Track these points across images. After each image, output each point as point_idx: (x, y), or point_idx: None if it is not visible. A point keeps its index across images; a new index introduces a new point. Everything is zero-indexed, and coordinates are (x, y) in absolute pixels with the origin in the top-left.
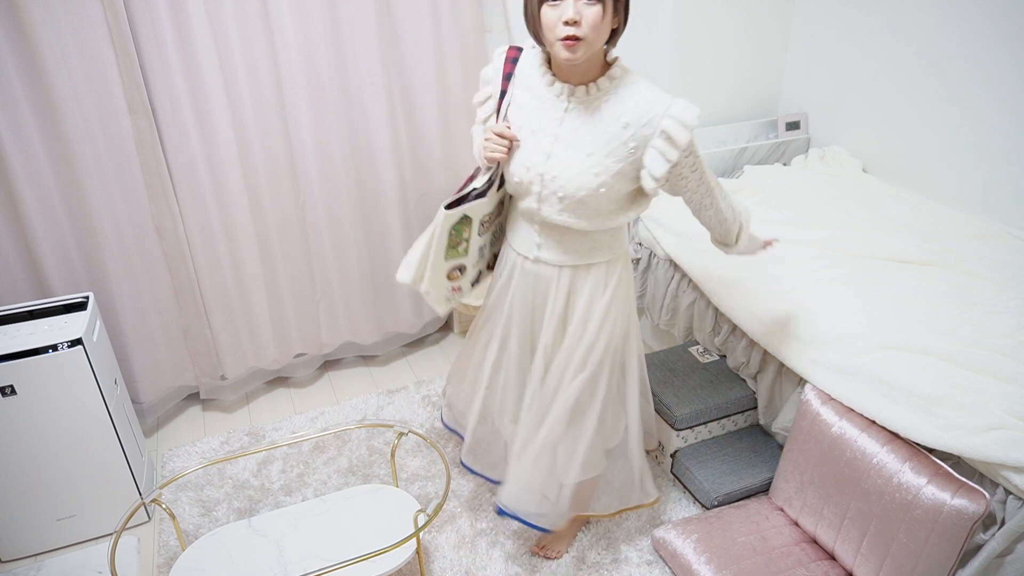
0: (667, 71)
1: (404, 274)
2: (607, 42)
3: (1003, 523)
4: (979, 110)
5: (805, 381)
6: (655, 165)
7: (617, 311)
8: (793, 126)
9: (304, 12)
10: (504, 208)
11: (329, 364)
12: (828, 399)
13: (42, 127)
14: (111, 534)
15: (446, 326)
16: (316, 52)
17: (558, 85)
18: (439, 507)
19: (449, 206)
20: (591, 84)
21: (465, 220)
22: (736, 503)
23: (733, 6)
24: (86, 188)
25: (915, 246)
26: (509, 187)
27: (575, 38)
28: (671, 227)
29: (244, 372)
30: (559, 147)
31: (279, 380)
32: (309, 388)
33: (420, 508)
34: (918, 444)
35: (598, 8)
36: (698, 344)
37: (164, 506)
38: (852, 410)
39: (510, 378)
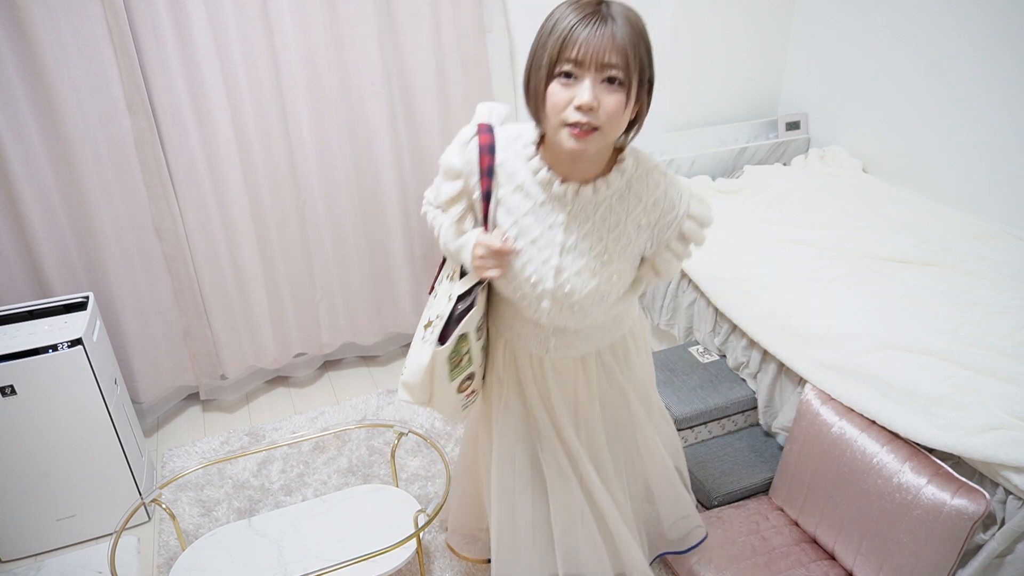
0: (667, 71)
1: (405, 394)
2: (630, 129)
3: (1003, 523)
4: (979, 110)
5: (805, 381)
6: (668, 267)
7: (649, 364)
8: (793, 126)
9: (304, 12)
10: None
11: (329, 364)
12: (828, 399)
13: (42, 127)
14: (111, 534)
15: None
16: (316, 52)
17: (559, 186)
18: (439, 507)
19: (441, 338)
20: (599, 181)
21: (462, 338)
22: (736, 503)
23: (733, 6)
24: (86, 188)
25: (915, 246)
26: (503, 293)
27: (590, 127)
28: None
29: (244, 372)
30: (569, 259)
31: (279, 380)
32: (309, 388)
33: (420, 508)
34: (918, 444)
35: (620, 96)
36: (698, 344)
37: (164, 506)
38: (852, 410)
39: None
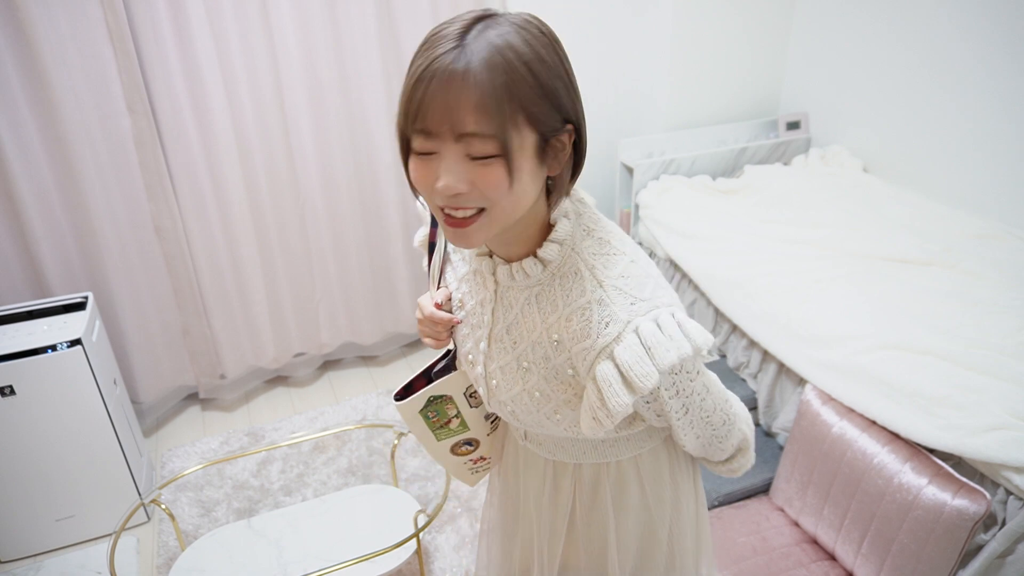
0: (667, 70)
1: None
2: (551, 194)
3: (1004, 523)
4: (980, 110)
5: (805, 381)
6: (584, 417)
7: (656, 518)
8: (793, 126)
9: (304, 12)
10: None
11: (329, 364)
12: (828, 399)
13: (41, 127)
14: (110, 534)
15: None
16: (316, 52)
17: (477, 257)
18: (439, 507)
19: (400, 394)
20: (515, 264)
21: (442, 399)
22: (736, 503)
23: (733, 5)
24: (85, 188)
25: (916, 246)
26: None
27: (462, 217)
28: (671, 227)
29: (243, 371)
30: (496, 349)
31: (279, 379)
32: (309, 388)
33: (420, 508)
34: (919, 444)
35: (496, 170)
36: None
37: (163, 506)
38: (852, 410)
39: None
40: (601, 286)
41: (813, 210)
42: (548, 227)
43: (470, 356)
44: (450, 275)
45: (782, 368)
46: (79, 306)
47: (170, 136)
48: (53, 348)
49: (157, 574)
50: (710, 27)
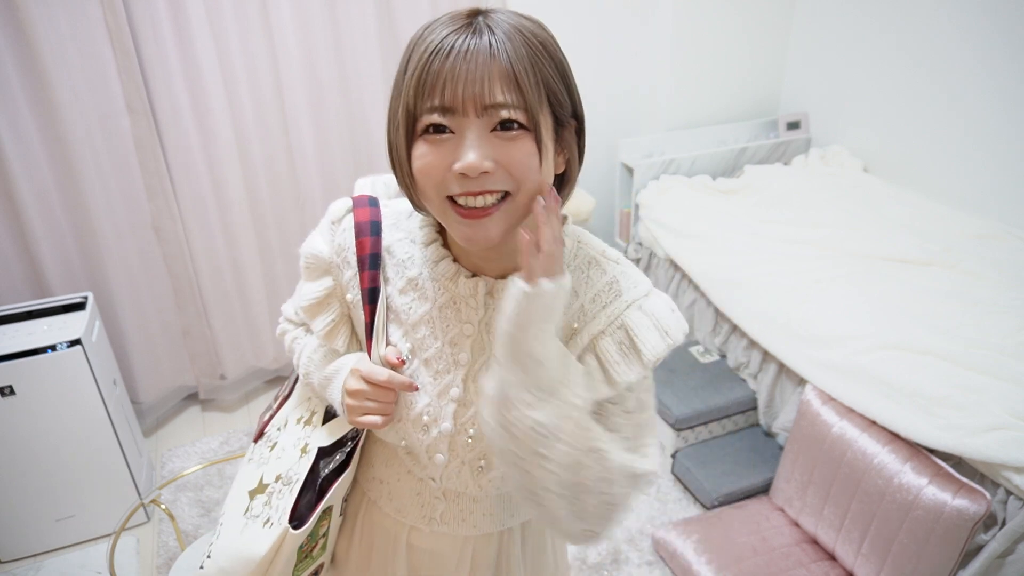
0: (667, 70)
1: None
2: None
3: (1004, 523)
4: (979, 110)
5: (805, 381)
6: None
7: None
8: (793, 126)
9: (304, 12)
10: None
11: None
12: (828, 399)
13: (41, 127)
14: (110, 534)
15: None
16: (316, 52)
17: (466, 281)
18: None
19: (296, 518)
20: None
21: (326, 513)
22: (736, 503)
23: (733, 6)
24: (85, 188)
25: (916, 246)
26: (384, 438)
27: (482, 207)
28: (671, 227)
29: (243, 371)
30: (475, 387)
31: (279, 380)
32: None
33: None
34: (919, 444)
35: (526, 144)
36: (698, 344)
37: (163, 507)
38: (853, 410)
39: None
40: (618, 263)
41: (813, 210)
42: None
43: (425, 418)
44: (392, 329)
45: (782, 368)
46: (79, 306)
47: (170, 136)
48: (53, 348)
49: (157, 574)
50: (710, 27)
